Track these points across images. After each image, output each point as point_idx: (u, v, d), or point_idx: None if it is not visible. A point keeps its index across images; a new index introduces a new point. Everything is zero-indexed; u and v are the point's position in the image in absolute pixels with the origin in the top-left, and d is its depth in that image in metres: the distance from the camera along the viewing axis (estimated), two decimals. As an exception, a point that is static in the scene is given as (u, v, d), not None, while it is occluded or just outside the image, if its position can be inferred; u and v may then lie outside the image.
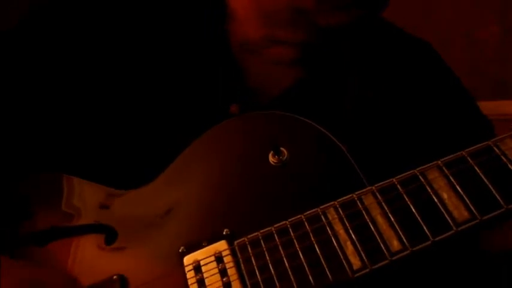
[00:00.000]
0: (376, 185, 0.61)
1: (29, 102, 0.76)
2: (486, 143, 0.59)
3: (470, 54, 2.31)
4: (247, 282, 0.60)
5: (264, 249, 0.61)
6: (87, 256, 0.70)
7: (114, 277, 0.66)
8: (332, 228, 0.60)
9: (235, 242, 0.63)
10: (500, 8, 2.23)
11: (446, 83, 0.82)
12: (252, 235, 0.62)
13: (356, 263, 0.57)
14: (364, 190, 0.61)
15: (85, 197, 0.74)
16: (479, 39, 2.30)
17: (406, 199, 0.58)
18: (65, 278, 0.67)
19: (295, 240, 0.60)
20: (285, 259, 0.59)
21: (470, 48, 2.32)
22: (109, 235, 0.69)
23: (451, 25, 2.24)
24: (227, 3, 0.78)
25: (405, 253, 0.56)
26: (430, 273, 0.68)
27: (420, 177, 0.59)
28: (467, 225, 0.56)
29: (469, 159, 0.58)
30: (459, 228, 0.56)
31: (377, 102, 0.76)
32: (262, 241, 0.61)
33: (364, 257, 0.57)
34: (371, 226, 0.58)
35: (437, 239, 0.56)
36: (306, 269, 0.58)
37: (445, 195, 0.57)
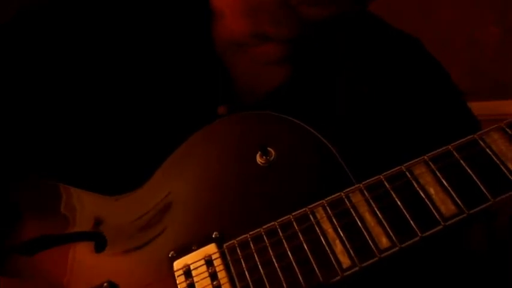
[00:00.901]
0: (363, 183, 0.62)
1: (16, 103, 0.78)
2: (471, 136, 0.60)
3: (470, 54, 2.33)
4: (237, 285, 0.61)
5: (253, 250, 0.62)
6: (77, 264, 0.71)
7: (105, 284, 0.67)
8: (321, 227, 0.61)
9: (225, 245, 0.64)
10: (500, 8, 2.25)
11: (434, 79, 0.84)
12: (241, 237, 0.64)
13: (345, 261, 0.59)
14: (351, 188, 0.62)
15: (74, 204, 0.75)
16: (479, 39, 2.32)
17: (394, 195, 0.60)
18: None
19: (284, 241, 0.62)
20: (274, 260, 0.61)
21: (470, 48, 2.34)
22: (99, 242, 0.71)
23: (451, 25, 2.26)
24: (212, 2, 0.79)
25: (394, 250, 0.58)
26: (417, 270, 0.69)
27: (407, 173, 0.61)
28: (454, 220, 0.57)
29: (455, 153, 0.60)
30: (447, 223, 0.57)
31: (370, 98, 0.78)
32: (251, 243, 0.63)
33: (353, 255, 0.59)
34: (359, 224, 0.60)
35: (425, 234, 0.57)
36: (296, 268, 0.60)
37: (432, 190, 0.59)
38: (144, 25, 0.80)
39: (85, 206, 0.75)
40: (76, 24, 0.79)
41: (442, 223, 0.57)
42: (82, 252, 0.72)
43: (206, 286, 0.63)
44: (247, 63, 0.79)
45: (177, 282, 0.64)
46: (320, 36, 0.78)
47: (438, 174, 0.59)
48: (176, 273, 0.65)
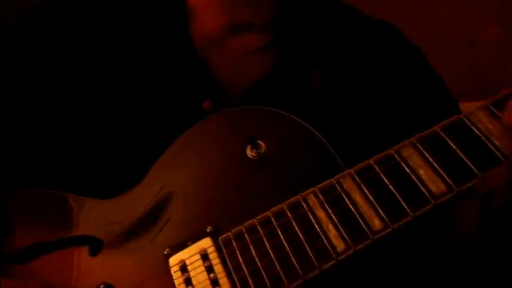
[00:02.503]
0: (353, 168, 0.66)
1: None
2: (457, 116, 0.65)
3: (470, 54, 2.38)
4: (234, 277, 0.65)
5: (249, 241, 0.66)
6: (73, 269, 0.74)
7: (101, 286, 0.70)
8: (314, 214, 0.65)
9: (220, 238, 0.68)
10: (500, 8, 2.30)
11: (413, 62, 0.88)
12: (235, 229, 0.67)
13: (340, 245, 0.62)
14: (342, 174, 0.66)
15: (66, 210, 0.79)
16: (479, 39, 2.37)
17: (384, 178, 0.64)
18: None
19: (278, 230, 0.65)
20: (270, 249, 0.64)
21: (470, 48, 2.38)
22: (94, 245, 0.74)
23: (451, 25, 2.30)
24: (187, 2, 0.84)
25: (387, 231, 0.62)
26: (409, 255, 0.73)
27: (396, 155, 0.65)
28: (445, 198, 0.61)
29: (442, 134, 0.64)
30: (437, 201, 0.61)
31: (352, 85, 0.82)
32: (246, 234, 0.66)
33: (347, 239, 0.62)
34: (352, 208, 0.64)
35: (417, 213, 0.61)
36: (291, 256, 0.63)
37: (421, 171, 0.63)
38: (122, 28, 0.84)
39: (78, 210, 0.79)
40: (58, 28, 0.84)
41: (433, 201, 0.61)
42: (78, 257, 0.75)
43: (203, 280, 0.66)
44: (226, 57, 0.84)
45: (174, 277, 0.67)
46: (297, 18, 0.82)
47: (426, 155, 0.63)
48: (172, 269, 0.68)
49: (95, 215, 0.77)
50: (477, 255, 0.77)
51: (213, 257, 0.67)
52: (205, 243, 0.68)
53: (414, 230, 0.63)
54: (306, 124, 0.71)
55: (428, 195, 0.61)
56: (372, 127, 0.79)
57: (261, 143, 0.72)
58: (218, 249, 0.67)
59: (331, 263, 0.62)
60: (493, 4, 2.29)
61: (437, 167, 0.62)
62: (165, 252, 0.69)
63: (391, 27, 0.92)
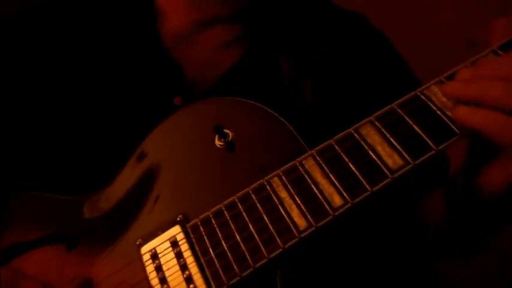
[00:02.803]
0: (315, 149, 0.68)
1: None
2: (413, 92, 0.66)
3: (470, 54, 2.38)
4: (202, 260, 0.67)
5: (215, 225, 0.68)
6: (52, 265, 0.77)
7: (78, 280, 0.73)
8: (277, 195, 0.66)
9: (188, 225, 0.70)
10: (500, 8, 2.30)
11: (379, 48, 0.90)
12: (203, 215, 0.69)
13: (302, 223, 0.64)
14: (305, 155, 0.68)
15: (42, 209, 0.82)
16: (479, 39, 2.37)
17: (344, 156, 0.65)
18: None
19: (243, 212, 0.67)
20: (235, 232, 0.66)
21: (470, 48, 2.38)
22: (70, 242, 0.77)
23: (451, 25, 2.31)
24: (155, 1, 0.88)
25: (347, 206, 0.63)
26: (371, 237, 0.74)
27: (355, 134, 0.66)
28: (402, 171, 0.62)
29: (398, 110, 0.66)
30: (394, 175, 0.62)
31: (319, 72, 0.84)
32: (212, 219, 0.68)
33: (309, 217, 0.64)
34: (313, 187, 0.65)
35: (375, 189, 0.63)
36: (256, 237, 0.65)
37: (379, 147, 0.65)
38: (93, 28, 0.87)
39: (53, 209, 0.81)
40: (36, 28, 0.88)
41: (390, 176, 0.62)
42: (55, 253, 0.77)
43: (173, 266, 0.68)
44: (197, 53, 0.87)
45: (145, 265, 0.69)
46: (264, 9, 0.85)
47: (384, 131, 0.65)
48: (144, 257, 0.70)
49: (72, 213, 0.80)
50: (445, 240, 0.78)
51: (182, 243, 0.69)
52: (175, 230, 0.70)
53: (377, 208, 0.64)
54: (270, 110, 0.73)
55: (385, 170, 0.62)
56: (338, 111, 0.81)
57: (228, 132, 0.74)
58: (186, 235, 0.69)
59: (293, 240, 0.63)
60: (493, 4, 2.29)
61: (394, 142, 0.63)
62: (137, 243, 0.71)
63: (362, 17, 0.94)
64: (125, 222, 0.75)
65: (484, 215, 0.68)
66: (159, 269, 0.68)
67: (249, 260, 0.64)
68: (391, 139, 0.64)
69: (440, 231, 0.79)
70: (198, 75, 0.86)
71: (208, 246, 0.67)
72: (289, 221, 0.64)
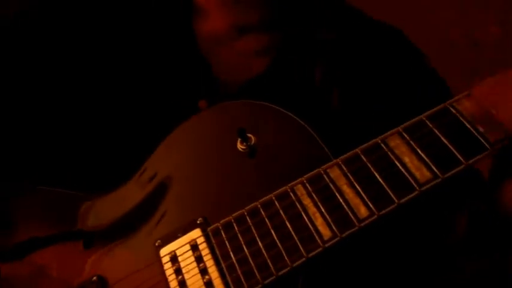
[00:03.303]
0: (341, 158, 0.67)
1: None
2: (443, 105, 0.65)
3: (470, 54, 2.38)
4: (223, 265, 0.65)
5: (237, 231, 0.66)
6: (68, 262, 0.75)
7: (94, 278, 0.71)
8: (301, 203, 0.65)
9: (209, 229, 0.68)
10: (500, 8, 2.30)
11: (413, 65, 0.88)
12: (224, 220, 0.68)
13: (326, 233, 0.63)
14: (329, 164, 0.67)
15: (63, 205, 0.80)
16: (479, 39, 2.37)
17: (370, 167, 0.64)
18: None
19: (266, 219, 0.66)
20: (257, 238, 0.65)
21: (470, 48, 2.38)
22: (87, 239, 0.75)
23: (451, 25, 2.31)
24: (194, 1, 0.86)
25: (373, 218, 0.62)
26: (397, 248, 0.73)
27: (382, 145, 0.65)
28: (430, 185, 0.61)
29: (428, 122, 0.64)
30: (422, 189, 0.61)
31: (351, 84, 0.83)
32: (234, 224, 0.67)
33: (334, 226, 0.63)
34: (338, 197, 0.64)
35: (402, 201, 0.62)
36: (279, 244, 0.64)
37: (406, 159, 0.63)
38: (129, 24, 0.86)
39: (73, 205, 0.80)
40: (62, 25, 0.85)
41: (418, 188, 0.61)
42: (72, 250, 0.76)
43: (192, 269, 0.67)
44: (228, 56, 0.85)
45: (165, 268, 0.68)
46: (293, 20, 0.84)
47: (412, 143, 0.64)
48: (163, 260, 0.69)
49: (91, 210, 0.78)
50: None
51: (203, 247, 0.67)
52: (195, 234, 0.69)
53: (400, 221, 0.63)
54: (294, 116, 0.72)
55: (413, 183, 0.61)
56: (365, 121, 0.79)
57: (251, 136, 0.72)
58: (207, 239, 0.68)
59: (317, 250, 0.62)
60: (493, 4, 2.29)
61: (423, 155, 0.62)
62: (156, 244, 0.70)
63: (394, 30, 0.93)
64: (142, 221, 0.74)
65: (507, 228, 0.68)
66: (178, 272, 0.67)
67: (272, 268, 0.63)
68: (420, 151, 0.63)
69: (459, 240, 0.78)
70: (227, 78, 0.84)
71: (230, 251, 0.65)
72: (313, 230, 0.63)
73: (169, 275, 0.68)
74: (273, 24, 0.84)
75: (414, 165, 0.63)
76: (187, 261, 0.68)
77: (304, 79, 0.84)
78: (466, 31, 2.34)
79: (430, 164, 0.62)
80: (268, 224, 0.66)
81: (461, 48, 2.35)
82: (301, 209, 0.65)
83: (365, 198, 0.63)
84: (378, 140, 0.66)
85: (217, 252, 0.66)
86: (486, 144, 0.61)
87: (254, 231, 0.66)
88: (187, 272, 0.67)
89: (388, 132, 0.66)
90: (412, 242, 0.77)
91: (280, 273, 0.63)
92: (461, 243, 0.78)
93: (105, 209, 0.78)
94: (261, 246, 0.64)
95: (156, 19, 0.84)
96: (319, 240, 0.62)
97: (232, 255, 0.65)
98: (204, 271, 0.66)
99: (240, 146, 0.73)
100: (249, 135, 0.73)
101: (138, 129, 0.81)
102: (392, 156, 0.64)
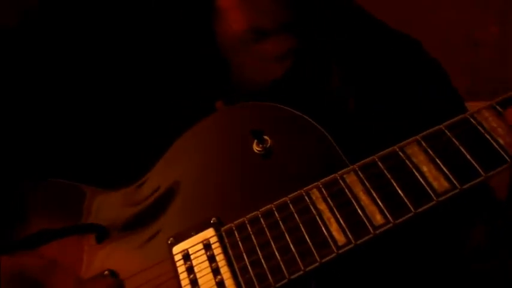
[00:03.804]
0: (357, 164, 0.66)
1: (19, 102, 0.83)
2: (463, 115, 0.64)
3: (470, 54, 2.37)
4: (235, 266, 0.65)
5: (251, 232, 0.66)
6: (79, 255, 0.75)
7: (105, 272, 0.71)
8: (316, 208, 0.65)
9: (222, 229, 0.68)
10: (500, 8, 2.30)
11: (433, 77, 0.88)
12: (238, 220, 0.67)
13: (340, 239, 0.62)
14: (346, 169, 0.66)
15: (76, 199, 0.79)
16: (479, 39, 2.37)
17: (387, 174, 0.64)
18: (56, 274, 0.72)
19: (280, 222, 0.65)
20: (271, 240, 0.64)
21: (470, 48, 2.38)
22: (100, 234, 0.74)
23: (451, 25, 2.30)
24: (214, 2, 0.85)
25: (388, 226, 0.61)
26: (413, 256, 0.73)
27: (400, 152, 0.64)
28: (448, 195, 0.61)
29: (447, 132, 0.64)
30: (440, 199, 0.61)
31: (368, 93, 0.82)
32: (248, 225, 0.66)
33: (348, 233, 0.62)
34: (354, 203, 0.63)
35: (419, 210, 0.61)
36: (292, 248, 0.63)
37: (424, 168, 0.63)
38: (149, 23, 0.85)
39: (88, 200, 0.79)
40: (81, 22, 0.84)
41: (435, 198, 0.61)
42: (85, 244, 0.75)
43: (205, 268, 0.66)
44: (248, 59, 0.85)
45: (177, 265, 0.67)
46: (309, 23, 0.83)
47: (430, 152, 0.63)
48: (175, 257, 0.68)
49: (104, 205, 0.78)
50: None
51: (215, 246, 0.67)
52: (209, 233, 0.68)
53: (415, 230, 0.63)
54: (311, 121, 0.72)
55: (431, 192, 0.61)
56: (383, 130, 0.79)
57: (267, 138, 0.71)
58: (220, 239, 0.67)
59: (331, 256, 0.62)
60: (493, 4, 2.28)
61: (441, 165, 0.62)
62: (169, 242, 0.70)
63: (412, 40, 0.92)
64: (155, 218, 0.73)
65: None
66: (190, 270, 0.67)
67: (284, 271, 0.62)
68: (438, 161, 0.62)
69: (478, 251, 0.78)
70: (245, 82, 0.83)
71: (243, 252, 0.65)
72: (327, 235, 0.63)
73: (181, 273, 0.67)
74: (290, 28, 0.83)
75: (432, 174, 0.62)
76: (199, 259, 0.67)
77: (321, 83, 0.83)
78: (466, 31, 2.34)
79: (449, 174, 0.61)
80: (282, 226, 0.65)
81: (461, 48, 2.35)
82: (316, 214, 0.65)
83: (381, 205, 0.62)
84: (396, 147, 0.65)
85: (230, 252, 0.66)
86: (506, 157, 0.60)
87: (268, 233, 0.65)
88: (199, 271, 0.66)
89: (407, 141, 0.65)
90: (425, 252, 0.77)
91: (292, 276, 0.62)
92: (478, 255, 0.78)
93: (119, 204, 0.77)
94: (274, 249, 0.64)
95: (175, 19, 0.83)
96: (333, 246, 0.62)
97: (245, 257, 0.65)
98: (216, 271, 0.65)
99: (255, 148, 0.72)
100: (266, 137, 0.72)
101: (156, 128, 0.80)
102: (410, 165, 0.63)
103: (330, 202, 0.65)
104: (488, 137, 0.62)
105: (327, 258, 0.62)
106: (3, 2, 0.84)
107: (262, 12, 0.81)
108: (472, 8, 2.28)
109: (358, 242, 0.62)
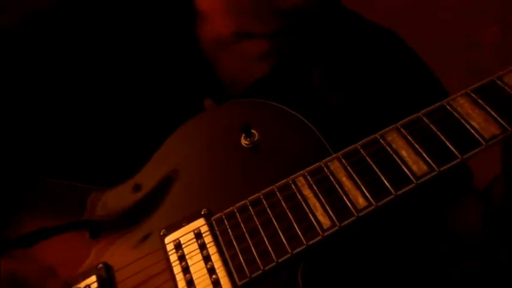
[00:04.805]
0: (341, 152, 0.69)
1: (12, 102, 0.86)
2: (439, 103, 0.67)
3: (470, 54, 2.40)
4: (226, 253, 0.68)
5: (240, 220, 0.69)
6: (74, 251, 0.78)
7: (100, 265, 0.74)
8: (302, 194, 0.68)
9: (212, 218, 0.71)
10: (500, 8, 2.32)
11: (408, 63, 0.91)
12: (228, 209, 0.71)
13: (326, 222, 0.65)
14: (330, 157, 0.69)
15: (70, 197, 0.83)
16: (479, 39, 2.39)
17: (369, 160, 0.67)
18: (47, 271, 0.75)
19: (268, 208, 0.68)
20: (259, 226, 0.68)
21: (470, 48, 2.40)
22: (95, 229, 0.78)
23: (451, 25, 2.32)
24: (196, 4, 0.88)
25: (370, 208, 0.64)
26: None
27: (380, 139, 0.68)
28: (426, 177, 0.64)
29: (424, 118, 0.67)
30: (419, 181, 0.64)
31: (344, 82, 0.85)
32: (237, 213, 0.70)
33: (333, 216, 0.65)
34: (338, 188, 0.67)
35: (399, 192, 0.64)
36: (280, 232, 0.66)
37: (404, 153, 0.66)
38: (131, 27, 0.88)
39: (80, 197, 0.82)
40: (67, 27, 0.88)
41: (415, 181, 0.64)
42: (79, 240, 0.78)
43: (196, 256, 0.69)
44: (231, 59, 0.88)
45: (169, 254, 0.70)
46: (297, 29, 0.86)
47: (409, 138, 0.66)
48: (167, 247, 0.71)
49: (98, 202, 0.81)
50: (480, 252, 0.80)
51: (206, 235, 0.70)
52: (199, 222, 0.71)
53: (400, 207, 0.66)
54: (297, 114, 0.75)
55: (410, 175, 0.64)
56: (363, 119, 0.82)
57: (255, 132, 0.75)
58: (211, 227, 0.70)
59: (317, 238, 0.65)
60: (493, 4, 2.31)
61: (420, 149, 0.65)
62: (161, 233, 0.73)
63: (391, 33, 0.95)
64: (147, 212, 0.76)
65: None
66: (182, 258, 0.70)
67: (273, 255, 0.65)
68: (417, 145, 0.66)
69: (476, 238, 0.80)
70: (230, 80, 0.87)
71: (232, 239, 0.68)
72: (313, 219, 0.66)
73: (173, 261, 0.70)
74: (276, 34, 0.86)
75: (411, 158, 0.65)
76: (190, 247, 0.70)
77: (303, 81, 0.87)
78: (466, 31, 2.36)
79: (427, 157, 0.64)
80: (270, 213, 0.68)
81: (461, 48, 2.37)
82: (301, 200, 0.68)
83: (363, 189, 0.65)
84: (377, 135, 0.68)
85: (220, 240, 0.69)
86: (481, 140, 0.63)
87: (256, 219, 0.68)
88: (190, 258, 0.69)
89: (387, 128, 0.68)
90: (406, 234, 0.80)
91: (280, 260, 0.65)
92: (478, 238, 0.80)
93: (113, 200, 0.80)
94: (263, 234, 0.67)
95: (158, 22, 0.87)
96: (318, 229, 0.65)
97: (234, 243, 0.68)
98: (207, 258, 0.68)
99: (244, 142, 0.75)
100: (253, 131, 0.75)
101: (146, 126, 0.84)
102: (390, 150, 0.67)
103: (315, 188, 0.68)
104: (463, 122, 0.65)
105: (313, 240, 0.65)
106: (4, 3, 0.88)
107: (250, 19, 0.84)
108: (471, 8, 2.31)
109: (343, 224, 0.65)
